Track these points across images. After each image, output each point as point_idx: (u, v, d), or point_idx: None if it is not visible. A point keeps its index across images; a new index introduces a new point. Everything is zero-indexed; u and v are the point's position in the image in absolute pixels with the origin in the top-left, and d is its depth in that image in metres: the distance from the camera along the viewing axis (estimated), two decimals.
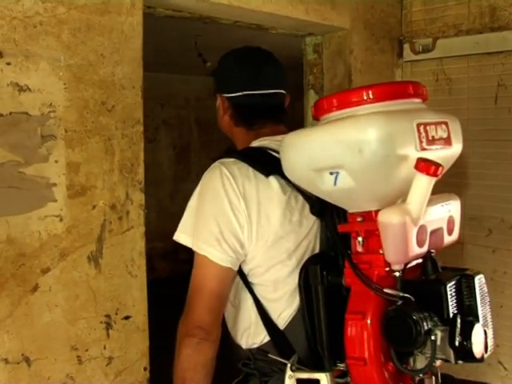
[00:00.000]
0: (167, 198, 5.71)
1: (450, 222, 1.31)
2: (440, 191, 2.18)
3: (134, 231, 1.60)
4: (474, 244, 2.33)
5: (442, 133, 1.24)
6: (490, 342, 1.23)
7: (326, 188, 1.22)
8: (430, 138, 1.18)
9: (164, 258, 5.52)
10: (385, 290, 1.18)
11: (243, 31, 3.16)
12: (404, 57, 2.46)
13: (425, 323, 1.13)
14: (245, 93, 1.47)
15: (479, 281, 1.25)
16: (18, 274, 1.39)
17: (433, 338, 1.13)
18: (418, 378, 1.23)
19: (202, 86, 6.99)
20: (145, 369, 1.67)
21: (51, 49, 1.41)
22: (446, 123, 1.26)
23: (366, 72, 2.31)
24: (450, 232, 1.32)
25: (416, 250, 1.18)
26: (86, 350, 1.54)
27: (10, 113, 1.36)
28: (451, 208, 1.31)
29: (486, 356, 1.21)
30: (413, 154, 1.13)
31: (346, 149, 1.14)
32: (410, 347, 1.16)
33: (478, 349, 1.17)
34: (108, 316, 1.57)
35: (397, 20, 2.43)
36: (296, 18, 2.01)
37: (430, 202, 1.21)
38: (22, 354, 1.42)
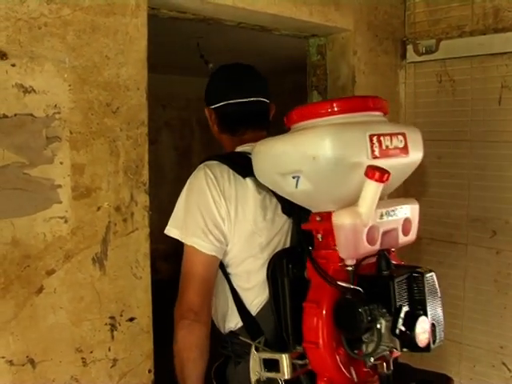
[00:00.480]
0: (169, 199, 5.70)
1: (406, 223, 1.46)
2: (440, 192, 2.21)
3: (138, 233, 1.60)
4: (477, 245, 2.33)
5: (397, 143, 1.37)
6: (439, 335, 1.35)
7: (289, 190, 1.39)
8: (384, 148, 1.32)
9: (166, 260, 5.52)
10: (338, 283, 1.33)
11: (245, 33, 3.15)
12: (407, 58, 2.46)
13: (370, 313, 1.26)
14: (226, 102, 1.65)
15: (429, 278, 1.37)
16: (22, 275, 1.39)
17: (378, 326, 1.27)
18: (370, 364, 1.33)
19: (203, 87, 7.00)
20: (149, 371, 1.66)
21: (56, 50, 1.41)
22: (403, 134, 1.39)
23: (370, 73, 2.30)
24: (405, 233, 1.46)
25: (367, 247, 1.32)
26: (91, 352, 1.53)
27: (15, 114, 1.36)
28: (407, 211, 1.45)
29: (433, 347, 1.32)
30: (365, 161, 1.27)
31: (303, 156, 1.30)
32: (355, 333, 1.30)
33: (421, 339, 1.28)
34: (113, 318, 1.57)
35: (400, 21, 2.43)
36: (300, 19, 2.01)
37: (385, 205, 1.39)
38: (27, 356, 1.42)
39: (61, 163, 1.43)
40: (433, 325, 1.34)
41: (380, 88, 2.37)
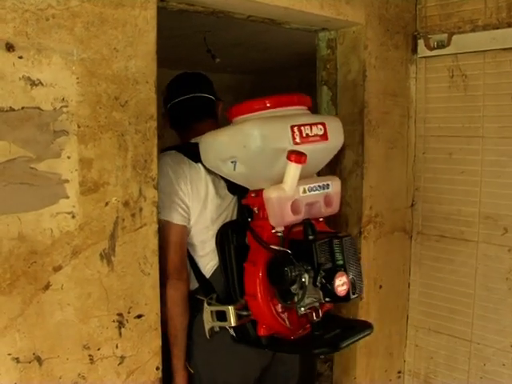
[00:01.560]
0: None
1: (328, 197, 1.79)
2: (451, 189, 2.18)
3: (146, 228, 1.58)
4: (488, 243, 2.30)
5: (317, 131, 1.70)
6: (359, 287, 1.68)
7: (229, 172, 1.72)
8: (304, 136, 1.65)
9: None
10: (270, 246, 1.66)
11: (252, 28, 3.12)
12: (418, 52, 2.42)
13: (295, 269, 1.57)
14: (173, 102, 2.01)
15: (347, 241, 1.69)
16: (29, 271, 1.37)
17: (302, 280, 1.57)
18: (301, 313, 1.63)
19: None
20: (157, 368, 1.65)
21: (64, 42, 1.38)
22: (322, 123, 1.72)
23: (381, 68, 2.27)
24: (328, 205, 1.80)
25: (291, 217, 1.66)
26: (98, 349, 1.51)
27: (22, 107, 1.33)
28: (329, 187, 1.78)
29: (352, 297, 1.66)
30: (288, 147, 1.60)
31: (237, 145, 1.63)
32: (283, 286, 1.60)
33: (340, 290, 1.61)
34: (120, 315, 1.55)
35: (411, 15, 2.40)
36: (310, 12, 1.98)
37: (309, 182, 1.73)
38: (34, 353, 1.40)
39: (68, 157, 1.41)
40: (352, 279, 1.66)
41: (391, 83, 2.34)
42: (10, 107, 1.31)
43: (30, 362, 1.39)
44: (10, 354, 1.36)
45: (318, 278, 1.59)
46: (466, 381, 2.43)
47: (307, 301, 1.62)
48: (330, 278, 1.60)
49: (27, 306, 1.37)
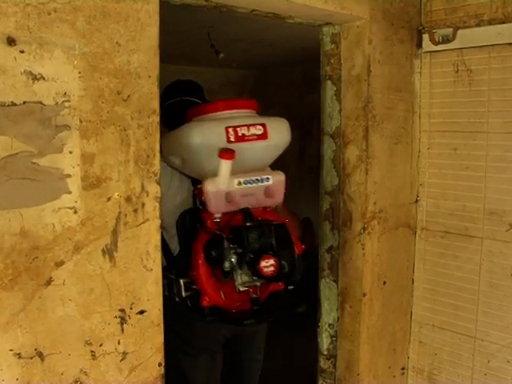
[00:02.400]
0: None
1: (268, 189, 2.05)
2: (455, 185, 2.16)
3: (149, 224, 1.57)
4: (493, 239, 2.29)
5: (255, 131, 1.96)
6: (289, 270, 1.89)
7: (179, 166, 2.03)
8: (240, 135, 1.90)
9: None
10: (208, 230, 1.94)
11: (256, 23, 3.11)
12: (423, 47, 2.40)
13: (224, 250, 1.83)
14: (164, 104, 2.15)
15: (279, 228, 1.94)
16: (31, 267, 1.36)
17: (232, 260, 1.83)
18: (240, 289, 1.88)
19: (213, 77, 6.96)
20: (159, 364, 1.64)
21: (66, 36, 1.37)
22: (262, 124, 1.98)
23: (385, 62, 2.26)
24: (268, 196, 2.06)
25: (227, 206, 1.95)
26: (100, 345, 1.51)
27: (24, 102, 1.32)
28: (268, 180, 2.04)
29: (284, 278, 1.97)
30: (222, 145, 1.85)
31: (180, 143, 1.92)
32: (215, 265, 1.88)
33: (266, 271, 1.84)
34: (122, 310, 1.54)
35: (416, 10, 2.38)
36: (314, 6, 1.96)
37: (245, 176, 2.00)
38: (35, 349, 1.39)
39: (70, 152, 1.40)
40: (281, 262, 1.88)
41: (395, 77, 2.32)
42: (12, 102, 1.30)
43: (31, 358, 1.39)
44: (11, 350, 1.35)
45: (245, 259, 1.84)
46: (470, 377, 2.42)
47: (244, 279, 1.88)
48: (256, 259, 1.85)
49: (29, 302, 1.37)
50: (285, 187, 2.12)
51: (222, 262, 1.83)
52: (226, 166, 1.83)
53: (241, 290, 1.89)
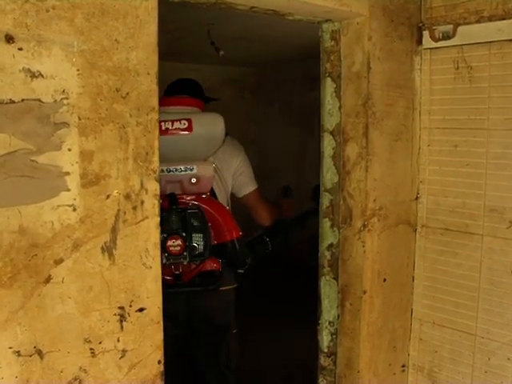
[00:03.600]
0: None
1: (194, 177, 2.43)
2: (455, 182, 2.15)
3: (148, 221, 1.57)
4: (494, 236, 2.28)
5: (179, 125, 2.35)
6: (197, 251, 2.37)
7: None
8: (164, 129, 2.32)
9: None
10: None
11: (256, 20, 3.11)
12: (423, 44, 2.39)
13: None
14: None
15: (191, 213, 2.34)
16: (30, 265, 1.36)
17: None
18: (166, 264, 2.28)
19: (214, 75, 6.96)
20: (159, 362, 1.64)
21: (64, 34, 1.37)
22: (188, 119, 2.37)
23: (385, 59, 2.25)
24: (195, 184, 2.44)
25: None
26: (100, 343, 1.51)
27: (22, 99, 1.32)
28: (193, 169, 2.40)
29: (185, 254, 2.33)
30: None
31: None
32: None
33: (172, 249, 2.28)
34: (122, 308, 1.54)
35: (416, 6, 2.37)
36: (313, 3, 1.96)
37: (169, 165, 2.37)
38: (35, 347, 1.39)
39: (69, 150, 1.40)
40: (189, 243, 2.32)
41: (395, 74, 2.32)
42: (10, 99, 1.30)
43: (31, 356, 1.39)
44: (11, 348, 1.35)
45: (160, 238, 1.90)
46: (471, 375, 2.42)
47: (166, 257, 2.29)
48: (165, 239, 2.22)
49: (28, 300, 1.37)
50: (212, 178, 2.54)
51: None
52: None
53: (166, 264, 2.29)
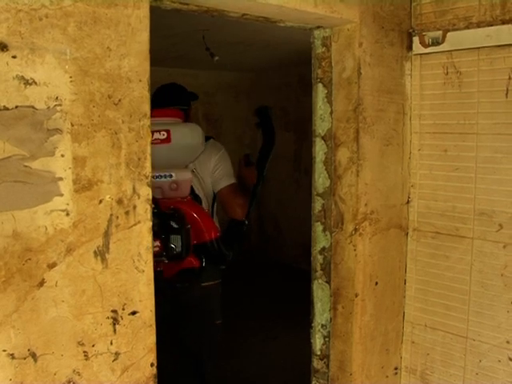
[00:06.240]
0: None
1: (173, 184, 2.60)
2: (446, 186, 2.19)
3: (140, 226, 1.59)
4: (484, 239, 2.31)
5: (159, 136, 2.54)
6: (174, 251, 2.52)
7: None
8: None
9: None
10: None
11: (251, 26, 3.13)
12: (413, 50, 2.43)
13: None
14: None
15: (172, 216, 2.47)
16: (24, 268, 1.38)
17: None
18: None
19: (209, 80, 6.99)
20: (152, 365, 1.66)
21: (57, 42, 1.40)
22: (167, 130, 2.57)
23: (376, 65, 2.28)
24: (174, 189, 2.61)
25: None
26: (93, 346, 1.53)
27: (16, 106, 1.34)
28: (172, 176, 2.57)
29: (164, 254, 2.52)
30: None
31: None
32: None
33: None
34: (115, 311, 1.56)
35: (406, 13, 2.40)
36: (304, 10, 1.98)
37: (156, 171, 2.51)
38: (29, 350, 1.41)
39: (62, 156, 1.42)
40: (167, 244, 2.48)
41: (386, 80, 2.35)
42: (4, 106, 1.33)
43: (24, 358, 1.41)
44: (4, 351, 1.37)
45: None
46: (462, 377, 2.44)
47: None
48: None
49: (22, 303, 1.39)
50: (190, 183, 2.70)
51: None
52: None
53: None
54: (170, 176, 2.60)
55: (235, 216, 2.99)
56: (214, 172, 2.97)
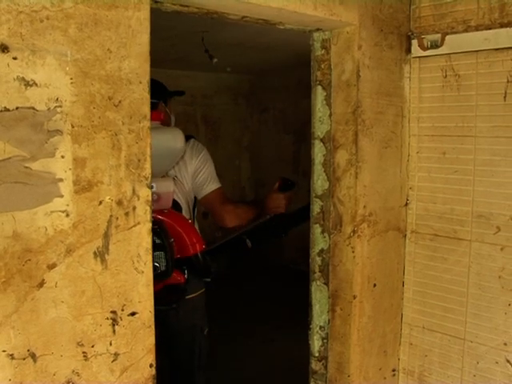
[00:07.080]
0: None
1: (154, 195, 2.15)
2: (444, 188, 2.17)
3: (140, 227, 1.60)
4: (481, 242, 2.32)
5: None
6: (158, 268, 2.27)
7: None
8: None
9: None
10: None
11: (251, 28, 3.14)
12: (412, 52, 2.44)
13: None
14: None
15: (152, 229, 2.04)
16: (23, 269, 1.39)
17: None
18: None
19: (208, 82, 6.99)
20: (151, 365, 1.66)
21: (58, 43, 1.40)
22: None
23: (375, 68, 2.29)
24: (156, 201, 2.28)
25: None
26: (92, 346, 1.53)
27: (17, 108, 1.35)
28: (153, 187, 1.98)
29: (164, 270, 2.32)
30: None
31: None
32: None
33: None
34: (114, 312, 1.57)
35: (405, 16, 2.41)
36: (304, 13, 1.99)
37: None
38: (28, 350, 1.42)
39: (62, 157, 1.43)
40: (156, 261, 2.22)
41: (384, 82, 2.36)
42: (5, 107, 1.33)
43: (24, 359, 1.41)
44: (4, 351, 1.38)
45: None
46: (460, 379, 2.45)
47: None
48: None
49: (22, 304, 1.39)
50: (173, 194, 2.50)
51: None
52: None
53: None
54: (152, 187, 2.43)
55: (223, 224, 2.85)
56: (195, 176, 2.81)
